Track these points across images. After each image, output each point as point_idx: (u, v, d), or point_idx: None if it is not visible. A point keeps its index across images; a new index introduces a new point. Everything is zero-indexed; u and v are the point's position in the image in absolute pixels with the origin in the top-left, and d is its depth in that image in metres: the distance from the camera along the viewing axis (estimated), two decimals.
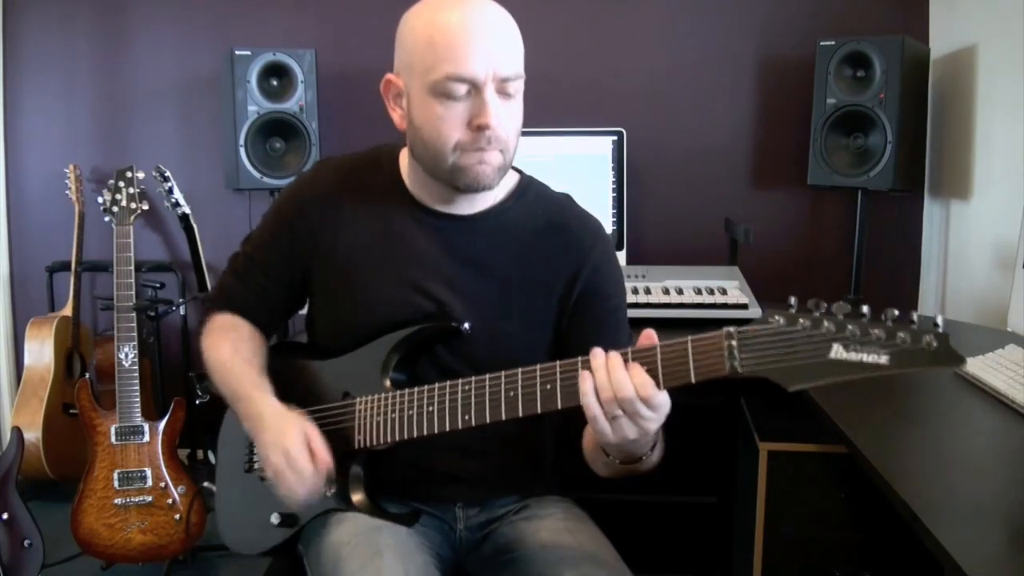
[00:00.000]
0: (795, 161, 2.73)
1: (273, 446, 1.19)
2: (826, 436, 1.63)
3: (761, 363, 0.93)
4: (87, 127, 3.09)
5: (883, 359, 0.87)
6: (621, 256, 2.55)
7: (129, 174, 2.38)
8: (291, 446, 1.17)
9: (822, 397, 1.47)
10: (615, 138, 2.55)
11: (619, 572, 1.23)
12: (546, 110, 2.77)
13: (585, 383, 1.02)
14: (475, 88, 1.14)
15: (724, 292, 2.14)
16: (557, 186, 1.41)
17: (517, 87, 1.18)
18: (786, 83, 2.85)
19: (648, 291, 2.14)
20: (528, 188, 1.35)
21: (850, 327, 0.89)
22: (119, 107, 3.08)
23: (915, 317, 0.87)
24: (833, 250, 2.89)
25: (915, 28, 2.74)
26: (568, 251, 1.31)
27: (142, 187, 2.40)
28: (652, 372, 1.00)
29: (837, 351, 0.89)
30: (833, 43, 2.52)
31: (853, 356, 0.88)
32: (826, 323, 0.90)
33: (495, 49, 1.14)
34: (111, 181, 2.38)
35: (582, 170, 2.56)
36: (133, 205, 2.37)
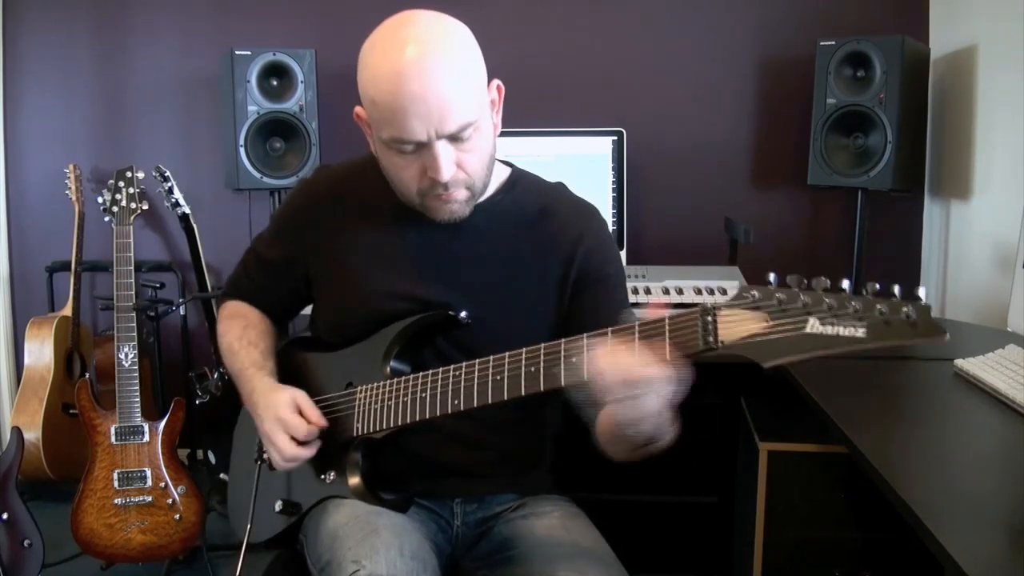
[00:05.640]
0: (795, 161, 2.73)
1: (266, 413, 1.27)
2: (826, 436, 1.63)
3: (735, 339, 0.92)
4: (87, 127, 3.09)
5: (860, 332, 0.85)
6: (621, 256, 2.55)
7: (129, 174, 2.38)
8: (280, 409, 1.25)
9: (822, 397, 1.47)
10: (615, 138, 2.55)
11: (614, 569, 1.23)
12: (546, 110, 2.78)
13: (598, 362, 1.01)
14: (422, 145, 1.15)
15: (724, 292, 2.14)
16: (559, 180, 1.42)
17: (471, 131, 1.16)
18: (786, 83, 2.85)
19: (648, 291, 2.14)
20: (519, 180, 1.38)
21: (827, 300, 0.87)
22: (119, 107, 3.08)
23: (896, 290, 0.85)
24: (833, 250, 2.89)
25: (915, 28, 2.74)
26: (561, 236, 1.32)
27: (142, 187, 2.40)
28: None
29: (813, 325, 0.87)
30: (833, 43, 2.52)
31: (829, 330, 0.86)
32: (803, 297, 0.88)
33: (434, 111, 1.11)
34: (111, 181, 2.38)
35: (582, 170, 2.56)
36: (133, 205, 2.37)
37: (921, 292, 0.84)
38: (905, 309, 0.83)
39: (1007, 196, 2.28)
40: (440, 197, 1.20)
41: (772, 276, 0.91)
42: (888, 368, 1.74)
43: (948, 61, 2.66)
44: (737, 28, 2.89)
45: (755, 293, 0.91)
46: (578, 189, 1.43)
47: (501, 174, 1.37)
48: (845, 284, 0.88)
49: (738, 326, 0.91)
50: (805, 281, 0.89)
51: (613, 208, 2.56)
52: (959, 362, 1.60)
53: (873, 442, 1.25)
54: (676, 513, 2.29)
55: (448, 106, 1.12)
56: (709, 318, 0.93)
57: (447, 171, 1.16)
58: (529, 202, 1.36)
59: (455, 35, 1.16)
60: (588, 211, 1.38)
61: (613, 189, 2.55)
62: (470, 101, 1.15)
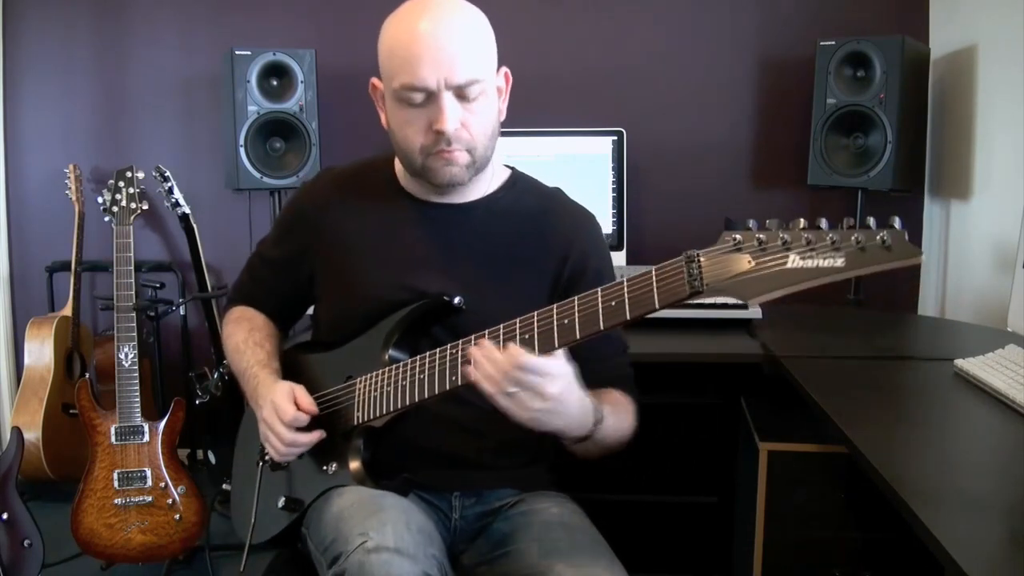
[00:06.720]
0: (795, 161, 2.73)
1: (264, 402, 1.30)
2: (826, 436, 1.63)
3: (720, 280, 0.95)
4: (87, 127, 3.09)
5: (839, 261, 0.89)
6: (621, 256, 2.55)
7: (129, 174, 2.38)
8: (277, 397, 1.28)
9: (822, 397, 1.47)
10: (615, 138, 2.55)
11: (614, 567, 1.23)
12: (546, 110, 2.78)
13: (472, 374, 1.10)
14: (431, 95, 1.20)
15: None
16: (557, 186, 1.45)
17: (478, 91, 1.22)
18: (786, 83, 2.85)
19: None
20: (519, 181, 1.43)
21: (806, 236, 0.91)
22: (119, 107, 3.08)
23: (871, 222, 0.89)
24: None
25: (915, 28, 2.74)
26: (557, 236, 1.36)
27: (142, 187, 2.40)
28: (527, 342, 1.09)
29: (794, 260, 0.91)
30: (833, 43, 2.52)
31: (810, 263, 0.90)
32: (782, 235, 0.92)
33: (445, 59, 1.18)
34: (111, 181, 2.38)
35: (582, 170, 2.56)
36: (133, 205, 2.37)
37: (896, 223, 0.89)
38: (880, 235, 0.88)
39: (1007, 196, 2.28)
40: (442, 154, 1.24)
41: (752, 222, 0.95)
42: (888, 368, 1.74)
43: (948, 61, 2.66)
44: (737, 28, 2.89)
45: (736, 236, 0.95)
46: (578, 189, 1.45)
47: (502, 174, 1.42)
48: (823, 223, 0.92)
49: (722, 268, 0.95)
50: (785, 224, 0.94)
51: (613, 208, 2.55)
52: (959, 362, 1.60)
53: (873, 442, 1.25)
54: (676, 513, 2.29)
55: (458, 56, 1.19)
56: (693, 264, 0.97)
57: (452, 122, 1.21)
58: (529, 202, 1.40)
59: (471, 9, 1.25)
60: (585, 215, 1.42)
61: (613, 189, 2.55)
62: (479, 61, 1.22)
